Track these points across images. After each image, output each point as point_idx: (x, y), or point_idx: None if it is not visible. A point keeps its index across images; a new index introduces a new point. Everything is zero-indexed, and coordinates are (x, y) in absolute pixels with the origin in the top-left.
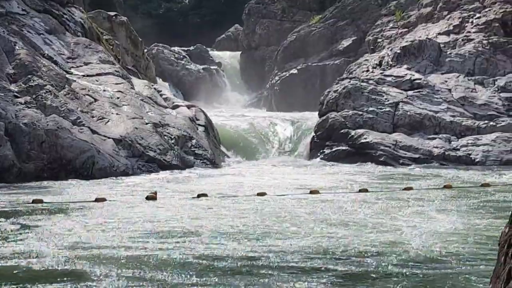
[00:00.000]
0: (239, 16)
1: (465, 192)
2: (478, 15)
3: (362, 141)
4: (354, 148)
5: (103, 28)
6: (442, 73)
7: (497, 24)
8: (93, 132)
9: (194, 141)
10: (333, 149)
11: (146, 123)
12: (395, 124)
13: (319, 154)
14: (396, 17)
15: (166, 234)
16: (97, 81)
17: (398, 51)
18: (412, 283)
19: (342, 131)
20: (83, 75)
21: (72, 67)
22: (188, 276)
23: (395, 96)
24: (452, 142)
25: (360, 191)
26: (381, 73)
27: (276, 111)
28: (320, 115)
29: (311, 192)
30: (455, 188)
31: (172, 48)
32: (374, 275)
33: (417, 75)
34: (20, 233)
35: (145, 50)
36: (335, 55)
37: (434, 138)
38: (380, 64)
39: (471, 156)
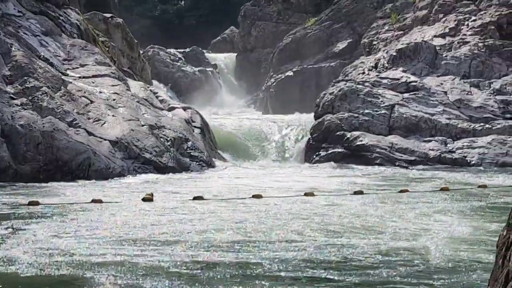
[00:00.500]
0: (234, 18)
1: (463, 194)
2: (473, 18)
3: (358, 143)
4: (350, 151)
5: (99, 30)
6: (438, 76)
7: (492, 27)
8: (89, 133)
9: (190, 143)
10: (329, 151)
11: (142, 125)
12: (391, 126)
13: (315, 156)
14: (391, 20)
15: (161, 238)
16: (93, 82)
17: (394, 54)
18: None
19: (338, 133)
20: (79, 77)
21: (68, 68)
22: (176, 284)
23: (391, 99)
24: (448, 145)
25: (355, 193)
26: (377, 75)
27: (272, 113)
28: (316, 117)
29: (306, 194)
30: (452, 190)
31: (168, 50)
32: (386, 286)
33: (413, 78)
34: (13, 236)
35: (141, 52)
36: (330, 57)
37: (430, 141)
38: (376, 67)
39: (466, 159)
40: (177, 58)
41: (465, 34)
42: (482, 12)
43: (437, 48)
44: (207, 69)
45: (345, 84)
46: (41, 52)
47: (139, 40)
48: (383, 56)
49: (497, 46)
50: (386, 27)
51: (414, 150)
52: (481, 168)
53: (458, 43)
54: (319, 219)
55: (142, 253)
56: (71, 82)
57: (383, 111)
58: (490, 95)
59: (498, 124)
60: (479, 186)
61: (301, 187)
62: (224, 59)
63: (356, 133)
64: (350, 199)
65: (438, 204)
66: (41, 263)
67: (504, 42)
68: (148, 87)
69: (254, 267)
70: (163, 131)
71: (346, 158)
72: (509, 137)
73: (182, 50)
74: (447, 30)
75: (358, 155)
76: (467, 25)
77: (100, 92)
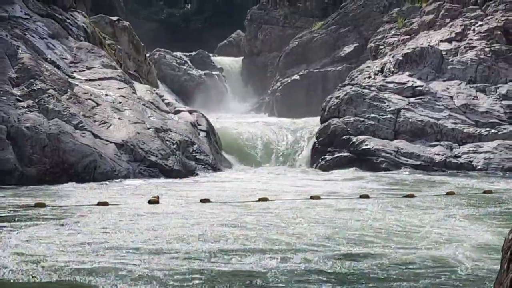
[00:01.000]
0: (241, 21)
1: (471, 198)
2: (480, 22)
3: (364, 147)
4: (356, 155)
5: (106, 33)
6: (444, 80)
7: (499, 32)
8: (95, 136)
9: (195, 146)
10: (335, 155)
11: (148, 128)
12: (396, 131)
13: (320, 160)
14: (398, 24)
15: (166, 242)
16: (99, 85)
17: (400, 58)
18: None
19: (343, 137)
20: (86, 80)
21: (75, 71)
22: None
23: (396, 103)
24: (454, 149)
25: (360, 197)
26: (383, 79)
27: (278, 117)
28: (322, 121)
29: (312, 198)
30: (458, 194)
31: (174, 53)
32: None
33: (419, 82)
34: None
35: (147, 55)
36: (337, 61)
37: (436, 145)
38: (382, 71)
39: (472, 163)
40: (183, 62)
41: (471, 39)
42: (488, 17)
43: (443, 53)
44: (213, 72)
45: (351, 88)
46: (47, 55)
47: (145, 43)
48: (389, 61)
49: (503, 51)
50: (393, 32)
51: (420, 155)
52: (487, 173)
53: (464, 48)
54: (328, 223)
55: (143, 258)
56: (77, 85)
57: (389, 116)
58: (496, 100)
59: (504, 129)
60: (485, 192)
61: (307, 190)
62: (230, 63)
63: (362, 137)
64: (357, 203)
65: (449, 209)
66: (46, 265)
67: (511, 47)
68: (154, 90)
69: (259, 277)
70: (169, 134)
71: (352, 162)
72: None
73: (188, 54)
74: (453, 35)
75: (363, 159)
76: (474, 30)
77: (106, 95)
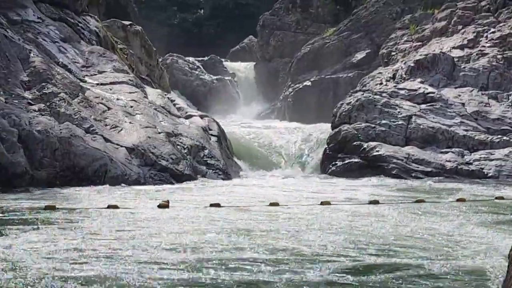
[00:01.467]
0: (253, 27)
1: (484, 205)
2: (492, 29)
3: (375, 154)
4: (366, 161)
5: (118, 37)
6: (456, 87)
7: (511, 39)
8: (106, 140)
9: (206, 151)
10: (345, 162)
11: (159, 132)
12: (407, 137)
13: (331, 166)
14: (410, 31)
15: (174, 246)
16: (110, 89)
17: (412, 65)
18: None
19: (354, 143)
20: (97, 84)
21: (86, 75)
22: None
23: (408, 110)
24: (465, 156)
25: (370, 202)
26: (394, 86)
27: (289, 122)
28: (333, 127)
29: (322, 203)
30: (469, 201)
31: (186, 58)
32: None
33: (430, 89)
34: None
35: (159, 60)
36: (348, 67)
37: (447, 152)
38: (393, 77)
39: (483, 171)
40: (195, 67)
41: (483, 46)
42: (501, 24)
43: (455, 59)
44: (225, 77)
45: (363, 94)
46: (59, 59)
47: (158, 48)
48: (401, 67)
49: None
50: (405, 38)
51: (431, 162)
52: (498, 180)
53: (476, 54)
54: (341, 230)
55: (140, 266)
56: (89, 89)
57: (400, 122)
58: (508, 107)
59: None
60: (496, 198)
61: (318, 196)
62: (242, 68)
63: (373, 143)
64: (367, 208)
65: (462, 216)
66: (53, 267)
67: None
68: (165, 94)
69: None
70: (180, 138)
71: (363, 168)
72: None
73: (200, 59)
74: (465, 42)
75: (374, 166)
76: (486, 37)
77: (118, 99)
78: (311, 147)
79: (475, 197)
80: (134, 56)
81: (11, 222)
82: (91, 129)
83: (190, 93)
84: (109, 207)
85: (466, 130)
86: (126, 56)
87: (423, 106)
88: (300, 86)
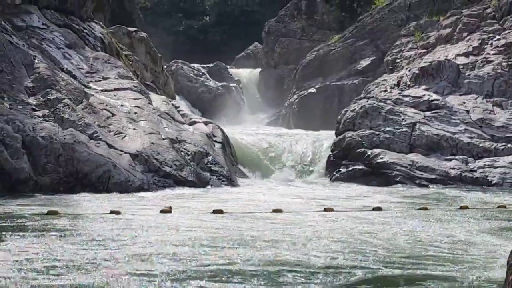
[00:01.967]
0: (259, 34)
1: (483, 212)
2: (497, 37)
3: (379, 160)
4: (370, 168)
5: (123, 44)
6: (460, 95)
7: None
8: (110, 146)
9: (210, 157)
10: (349, 168)
11: (163, 139)
12: (412, 144)
13: (335, 173)
14: (415, 38)
15: (172, 253)
16: (115, 96)
17: (417, 72)
18: None
19: (358, 150)
20: (101, 90)
21: (91, 81)
22: None
23: (412, 117)
24: (469, 164)
25: (373, 209)
26: (399, 93)
27: (294, 129)
28: (337, 134)
29: (325, 210)
30: (472, 209)
31: (192, 65)
32: None
33: (435, 96)
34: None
35: (165, 66)
36: (353, 74)
37: (451, 159)
38: (398, 84)
39: (488, 178)
40: (200, 73)
41: (488, 53)
42: (506, 32)
43: (460, 66)
44: (231, 84)
45: (367, 101)
46: (64, 65)
47: (163, 55)
48: (406, 74)
49: None
50: (410, 45)
51: (435, 169)
52: (502, 188)
53: (481, 62)
54: (345, 238)
55: (138, 273)
56: (93, 95)
57: (404, 129)
58: None
59: None
60: (499, 206)
61: (322, 203)
62: (247, 75)
63: (377, 150)
64: (371, 215)
65: (465, 223)
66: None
67: None
68: (170, 101)
69: None
70: (183, 145)
71: (367, 175)
72: None
73: (205, 65)
74: (470, 49)
75: (378, 173)
76: (491, 44)
77: (122, 105)
78: (315, 154)
79: (479, 204)
80: (139, 63)
81: (9, 228)
82: (95, 135)
83: (195, 99)
84: (111, 212)
85: (471, 138)
86: (131, 62)
87: (427, 113)
88: (305, 93)
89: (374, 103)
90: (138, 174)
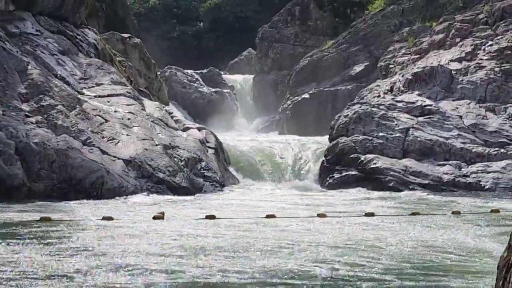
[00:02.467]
0: (252, 40)
1: (475, 217)
2: (490, 42)
3: (372, 166)
4: (364, 173)
5: (117, 50)
6: (454, 100)
7: (509, 52)
8: (103, 152)
9: (203, 163)
10: (343, 174)
11: (156, 145)
12: (405, 150)
13: (328, 178)
14: (408, 44)
15: (159, 267)
16: (108, 102)
17: (410, 77)
18: None
19: (352, 156)
20: (95, 96)
21: (84, 87)
22: None
23: (405, 122)
24: (462, 169)
25: (366, 214)
26: (392, 98)
27: (288, 135)
28: (331, 140)
29: (318, 216)
30: (464, 214)
31: (185, 71)
32: None
33: (428, 101)
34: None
35: (158, 72)
36: (347, 80)
37: (444, 165)
38: (391, 90)
39: (481, 183)
40: (194, 79)
41: (481, 59)
42: (499, 37)
43: (453, 72)
44: (224, 90)
45: (360, 107)
46: (57, 71)
47: (157, 61)
48: (399, 80)
49: None
50: (403, 51)
51: (428, 174)
52: (495, 193)
53: (474, 67)
54: (340, 244)
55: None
56: (86, 101)
57: (397, 134)
58: (505, 120)
59: None
60: (492, 211)
61: (315, 208)
62: (241, 81)
63: (370, 156)
64: (362, 221)
65: (456, 228)
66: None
67: None
68: (163, 107)
69: None
70: (177, 151)
71: (360, 180)
72: None
73: (199, 71)
74: (463, 55)
75: (371, 178)
76: (484, 49)
77: (115, 111)
78: (309, 159)
79: (472, 209)
80: (133, 69)
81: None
82: (88, 141)
83: (189, 105)
84: (104, 218)
85: (464, 143)
86: (124, 68)
87: (420, 118)
88: (299, 99)
89: (368, 109)
90: (131, 180)
